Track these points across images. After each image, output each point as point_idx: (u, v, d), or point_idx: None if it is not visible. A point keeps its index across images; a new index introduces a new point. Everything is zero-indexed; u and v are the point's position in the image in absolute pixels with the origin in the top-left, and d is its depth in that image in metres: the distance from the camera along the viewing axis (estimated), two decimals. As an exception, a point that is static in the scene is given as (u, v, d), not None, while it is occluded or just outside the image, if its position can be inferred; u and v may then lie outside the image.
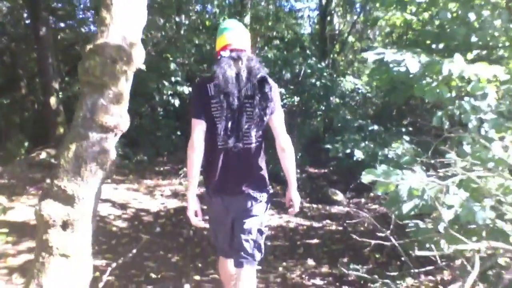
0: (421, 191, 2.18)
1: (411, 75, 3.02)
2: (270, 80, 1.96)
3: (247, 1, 10.68)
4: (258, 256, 2.10)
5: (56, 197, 1.85)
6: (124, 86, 1.94)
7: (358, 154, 5.44)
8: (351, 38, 13.02)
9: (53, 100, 7.41)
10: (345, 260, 3.69)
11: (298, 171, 6.76)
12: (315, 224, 4.96)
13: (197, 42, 9.36)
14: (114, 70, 1.85)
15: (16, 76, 8.33)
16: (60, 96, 7.63)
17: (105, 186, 6.18)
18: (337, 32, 13.66)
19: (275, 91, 1.99)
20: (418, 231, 2.38)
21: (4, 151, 7.14)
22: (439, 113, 2.95)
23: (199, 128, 1.91)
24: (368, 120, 7.77)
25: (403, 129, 6.54)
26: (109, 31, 1.87)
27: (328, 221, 5.14)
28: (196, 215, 2.03)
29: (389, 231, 2.32)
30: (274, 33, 12.30)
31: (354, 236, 2.58)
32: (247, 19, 10.81)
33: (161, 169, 7.14)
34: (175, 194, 5.69)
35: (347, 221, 4.99)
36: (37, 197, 4.73)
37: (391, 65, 3.03)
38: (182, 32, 9.13)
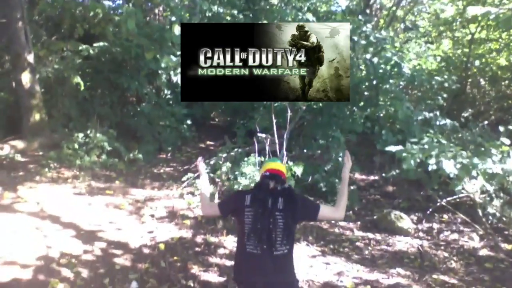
0: None
1: None
2: (298, 196, 2.17)
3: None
4: None
5: None
6: None
7: (449, 168, 3.56)
8: (399, 12, 10.93)
9: (26, 78, 5.79)
10: None
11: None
12: (384, 280, 3.14)
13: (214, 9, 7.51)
14: None
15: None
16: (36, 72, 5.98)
17: (77, 199, 4.13)
18: (378, 6, 11.63)
19: (303, 203, 2.16)
20: None
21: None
22: None
23: (214, 212, 2.20)
24: (436, 112, 5.86)
25: (502, 128, 4.52)
26: None
27: (399, 271, 3.32)
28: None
29: None
30: (306, 6, 10.22)
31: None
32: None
33: (161, 171, 5.43)
34: (172, 216, 3.95)
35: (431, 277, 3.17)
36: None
37: None
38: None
